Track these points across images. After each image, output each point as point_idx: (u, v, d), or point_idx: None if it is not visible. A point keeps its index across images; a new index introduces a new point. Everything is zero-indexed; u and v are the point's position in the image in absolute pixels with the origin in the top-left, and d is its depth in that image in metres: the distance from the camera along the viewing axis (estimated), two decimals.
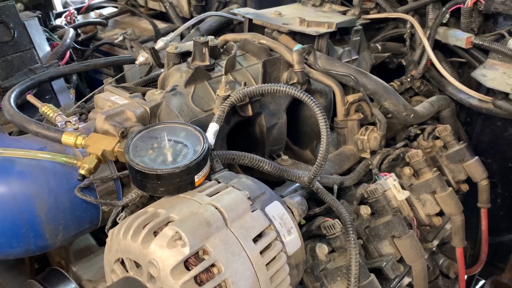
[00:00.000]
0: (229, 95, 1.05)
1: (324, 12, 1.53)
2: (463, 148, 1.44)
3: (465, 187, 1.46)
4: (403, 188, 1.24)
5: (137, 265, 0.75)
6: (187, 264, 0.70)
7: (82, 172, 0.85)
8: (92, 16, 2.45)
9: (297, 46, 1.28)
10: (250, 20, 1.46)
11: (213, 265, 0.71)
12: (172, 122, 0.91)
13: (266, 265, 0.76)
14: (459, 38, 1.51)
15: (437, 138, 1.46)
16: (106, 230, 0.89)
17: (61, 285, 0.95)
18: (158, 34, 2.19)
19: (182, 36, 2.26)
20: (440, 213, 1.32)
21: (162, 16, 2.49)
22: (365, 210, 1.13)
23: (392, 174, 1.26)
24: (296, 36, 1.37)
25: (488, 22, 1.56)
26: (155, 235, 0.72)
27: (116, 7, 2.51)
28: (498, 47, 1.44)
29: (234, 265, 0.72)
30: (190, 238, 0.69)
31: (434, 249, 1.43)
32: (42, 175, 0.88)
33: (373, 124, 1.33)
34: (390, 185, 1.23)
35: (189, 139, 0.85)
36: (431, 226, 1.33)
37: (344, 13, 1.56)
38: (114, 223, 0.88)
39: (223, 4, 2.22)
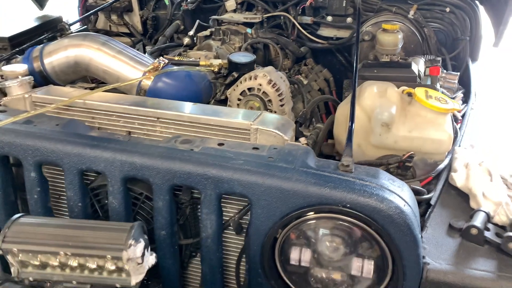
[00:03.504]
0: None
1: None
2: (319, 66, 3.26)
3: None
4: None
5: (249, 91, 2.34)
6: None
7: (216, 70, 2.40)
8: None
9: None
10: None
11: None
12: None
13: None
14: (306, 19, 3.34)
15: (306, 65, 3.28)
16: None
17: None
18: (134, 43, 3.62)
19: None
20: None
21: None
22: None
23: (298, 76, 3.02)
24: None
25: (317, 10, 3.44)
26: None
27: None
28: (326, 22, 3.34)
29: None
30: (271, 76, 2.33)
31: None
32: (196, 75, 2.41)
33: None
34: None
35: None
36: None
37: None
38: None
39: (170, 21, 3.72)
